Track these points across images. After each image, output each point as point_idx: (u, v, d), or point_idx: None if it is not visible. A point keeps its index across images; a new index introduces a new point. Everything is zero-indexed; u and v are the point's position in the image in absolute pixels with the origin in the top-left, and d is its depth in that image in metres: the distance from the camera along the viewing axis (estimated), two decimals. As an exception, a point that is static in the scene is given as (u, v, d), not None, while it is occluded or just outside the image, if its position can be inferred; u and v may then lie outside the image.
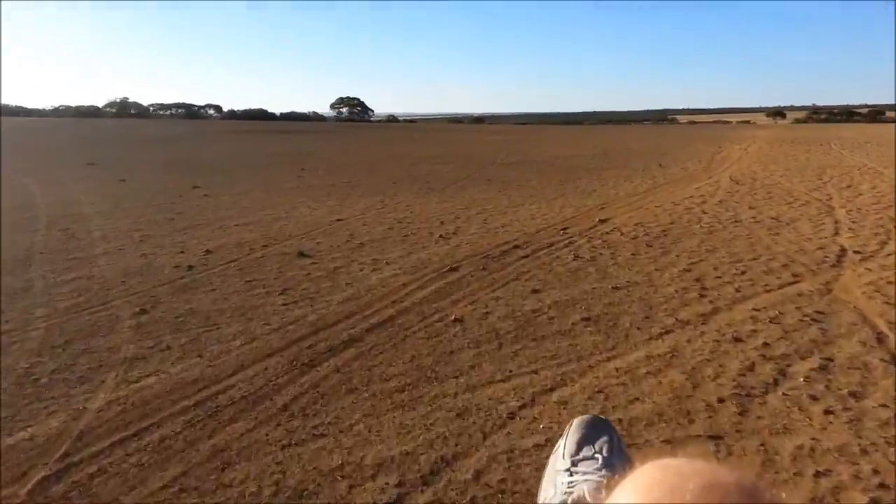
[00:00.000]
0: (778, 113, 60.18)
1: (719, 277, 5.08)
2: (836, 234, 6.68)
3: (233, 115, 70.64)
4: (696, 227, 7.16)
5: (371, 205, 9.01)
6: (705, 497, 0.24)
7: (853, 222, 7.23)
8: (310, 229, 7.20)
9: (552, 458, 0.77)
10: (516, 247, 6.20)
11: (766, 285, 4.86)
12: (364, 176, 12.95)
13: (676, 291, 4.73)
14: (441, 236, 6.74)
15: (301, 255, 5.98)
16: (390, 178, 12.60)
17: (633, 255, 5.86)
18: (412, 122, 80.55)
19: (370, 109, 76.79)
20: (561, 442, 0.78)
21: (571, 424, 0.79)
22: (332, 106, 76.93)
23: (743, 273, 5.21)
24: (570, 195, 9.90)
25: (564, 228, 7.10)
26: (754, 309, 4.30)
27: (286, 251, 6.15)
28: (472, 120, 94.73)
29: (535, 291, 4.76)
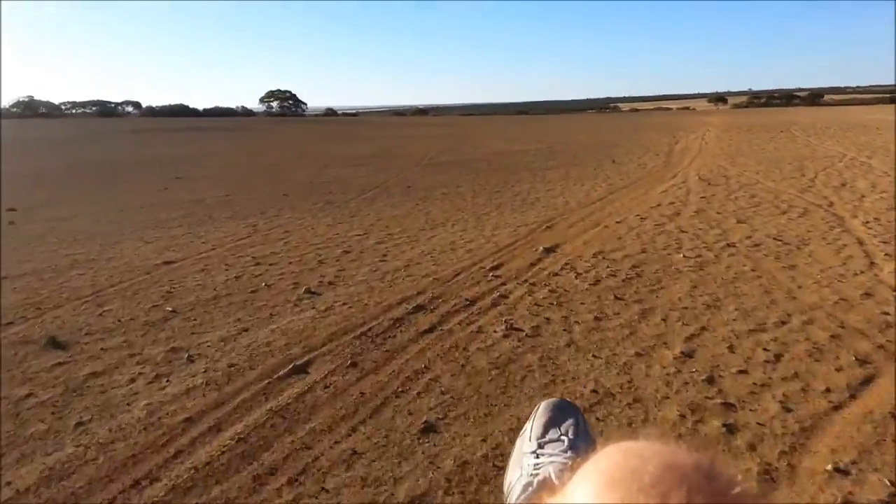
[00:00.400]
0: (720, 98, 60.22)
1: (744, 374, 3.01)
2: (872, 263, 4.76)
3: (151, 111, 65.59)
4: (677, 256, 5.13)
5: (234, 232, 6.60)
6: (664, 478, 0.25)
7: (883, 242, 5.35)
8: (109, 283, 4.76)
9: (519, 440, 0.78)
10: (418, 308, 4.01)
11: (825, 392, 2.81)
12: (251, 186, 10.45)
13: (682, 417, 2.62)
14: (308, 291, 4.47)
15: (53, 344, 3.60)
16: (285, 187, 10.17)
17: (596, 319, 3.75)
18: (352, 115, 77.40)
19: (303, 103, 72.68)
20: (528, 425, 0.78)
21: (538, 407, 0.80)
22: (262, 100, 72.39)
23: (777, 360, 3.16)
24: (506, 207, 7.77)
25: (495, 267, 4.93)
26: (834, 462, 2.24)
27: (33, 336, 3.74)
28: (415, 112, 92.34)
29: (427, 431, 2.57)
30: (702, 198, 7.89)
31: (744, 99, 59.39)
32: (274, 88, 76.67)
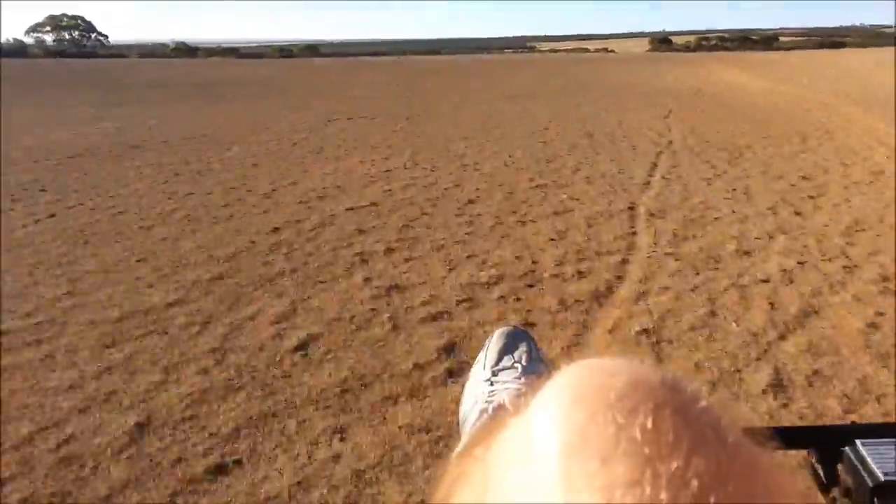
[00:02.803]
0: (664, 40, 52.86)
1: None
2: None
3: None
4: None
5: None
6: (631, 393, 0.25)
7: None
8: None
9: (473, 369, 0.81)
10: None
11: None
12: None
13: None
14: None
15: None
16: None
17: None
18: (223, 51, 64.04)
19: (98, 34, 55.68)
20: (482, 354, 0.81)
21: (492, 336, 0.83)
22: (32, 30, 54.49)
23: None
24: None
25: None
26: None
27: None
28: (304, 48, 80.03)
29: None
30: None
31: (693, 39, 52.40)
32: (57, 13, 57.86)
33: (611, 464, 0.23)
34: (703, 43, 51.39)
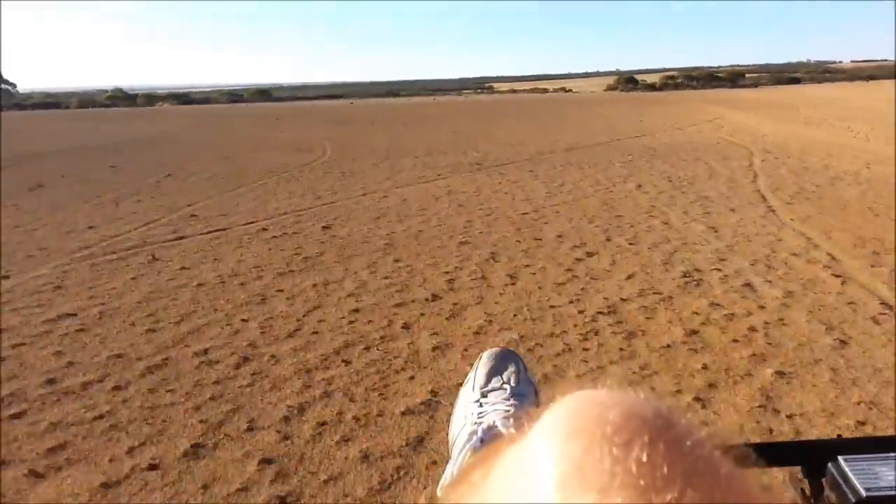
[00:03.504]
0: (629, 79, 51.63)
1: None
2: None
3: None
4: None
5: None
6: (626, 426, 0.26)
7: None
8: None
9: (462, 391, 0.81)
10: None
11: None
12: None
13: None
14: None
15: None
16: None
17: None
18: (168, 97, 60.61)
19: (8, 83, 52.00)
20: (470, 375, 0.82)
21: (481, 357, 0.84)
22: None
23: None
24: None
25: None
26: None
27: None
28: (255, 93, 77.09)
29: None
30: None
31: (657, 77, 51.33)
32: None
33: (607, 496, 0.23)
34: (669, 81, 50.35)
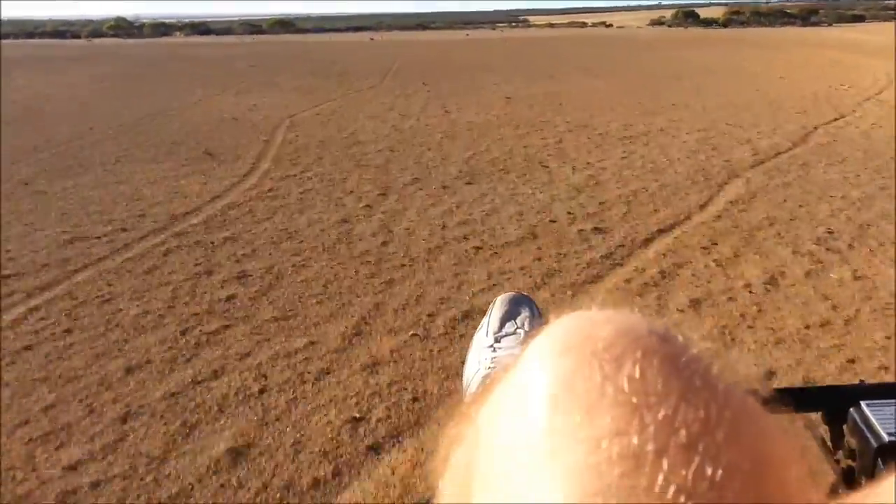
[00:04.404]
0: (689, 14, 46.79)
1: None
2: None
3: None
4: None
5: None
6: (618, 342, 0.26)
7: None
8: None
9: (476, 336, 0.83)
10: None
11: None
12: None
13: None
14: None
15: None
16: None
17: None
18: (183, 27, 56.67)
19: None
20: (485, 320, 0.83)
21: (494, 302, 0.85)
22: None
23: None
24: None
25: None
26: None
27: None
28: (275, 24, 72.67)
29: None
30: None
31: (719, 12, 46.48)
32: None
33: (596, 414, 0.23)
34: (733, 17, 45.60)
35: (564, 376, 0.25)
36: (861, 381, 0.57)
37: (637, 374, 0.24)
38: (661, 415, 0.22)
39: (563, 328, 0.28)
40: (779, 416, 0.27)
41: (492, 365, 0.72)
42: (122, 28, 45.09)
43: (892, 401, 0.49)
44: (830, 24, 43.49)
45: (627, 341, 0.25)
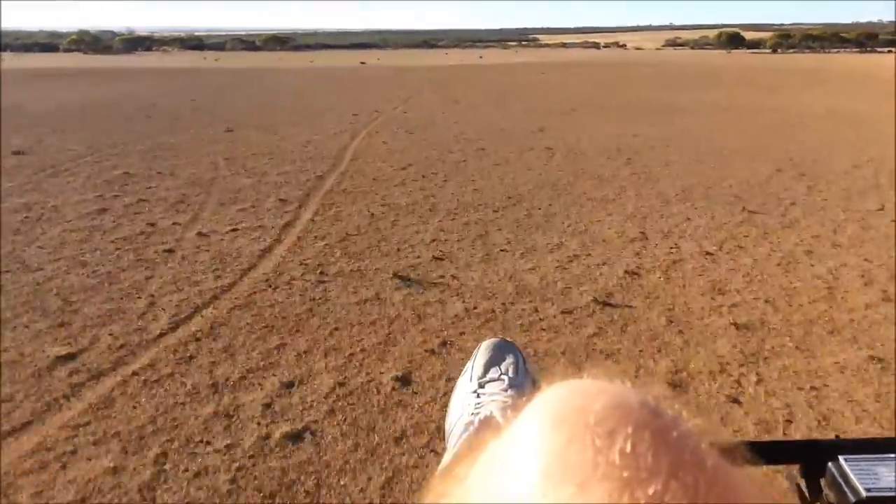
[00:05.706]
0: (733, 37, 41.80)
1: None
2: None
3: None
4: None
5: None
6: (611, 416, 0.26)
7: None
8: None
9: (460, 380, 0.80)
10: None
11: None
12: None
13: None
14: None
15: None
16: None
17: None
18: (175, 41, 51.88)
19: None
20: (469, 365, 0.81)
21: (479, 348, 0.82)
22: None
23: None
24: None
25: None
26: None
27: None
28: (268, 39, 68.05)
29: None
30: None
31: (768, 36, 41.44)
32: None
33: (588, 488, 0.23)
34: (781, 42, 40.54)
35: (558, 448, 0.25)
36: (837, 436, 0.57)
37: (628, 449, 0.24)
38: (651, 490, 0.22)
39: (557, 398, 0.28)
40: (764, 482, 0.27)
41: (475, 411, 0.68)
42: (86, 42, 39.84)
43: (871, 456, 0.49)
44: (890, 51, 38.47)
45: (619, 415, 0.25)
